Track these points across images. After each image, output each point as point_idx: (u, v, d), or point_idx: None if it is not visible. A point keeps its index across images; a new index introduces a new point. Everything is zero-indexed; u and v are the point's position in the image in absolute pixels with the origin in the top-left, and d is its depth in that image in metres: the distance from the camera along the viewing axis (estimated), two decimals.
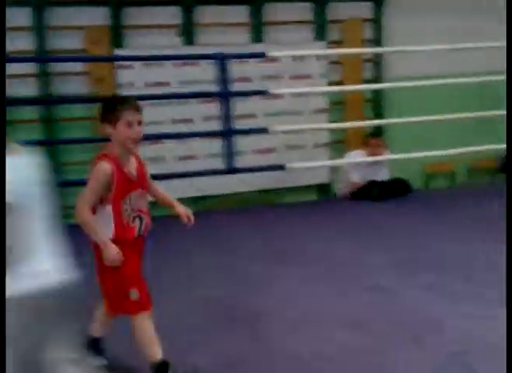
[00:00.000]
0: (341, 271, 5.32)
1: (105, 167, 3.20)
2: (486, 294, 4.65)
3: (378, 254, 5.73)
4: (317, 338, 4.00)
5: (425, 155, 7.85)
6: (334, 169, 8.39)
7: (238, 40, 7.91)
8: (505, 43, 8.33)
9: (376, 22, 8.44)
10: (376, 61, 8.49)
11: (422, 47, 7.56)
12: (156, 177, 7.17)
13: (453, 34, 8.12)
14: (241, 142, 7.31)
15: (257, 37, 8.02)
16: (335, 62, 8.28)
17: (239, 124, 7.00)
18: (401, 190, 8.08)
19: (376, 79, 8.44)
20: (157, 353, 3.32)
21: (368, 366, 3.63)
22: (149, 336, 3.33)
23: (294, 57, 7.82)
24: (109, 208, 3.21)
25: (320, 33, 8.21)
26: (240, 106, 7.29)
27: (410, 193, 8.12)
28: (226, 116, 6.69)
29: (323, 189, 8.50)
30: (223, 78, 6.67)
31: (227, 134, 6.76)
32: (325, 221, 7.16)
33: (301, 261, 5.61)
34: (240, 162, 6.92)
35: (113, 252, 3.16)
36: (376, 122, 8.26)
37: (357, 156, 8.03)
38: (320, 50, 7.99)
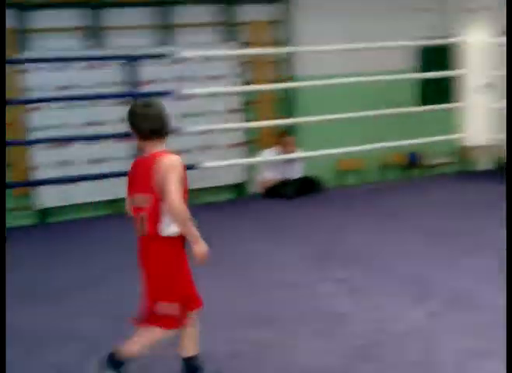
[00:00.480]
0: (255, 268, 5.39)
1: (179, 160, 3.18)
2: (396, 288, 4.80)
3: (290, 250, 5.82)
4: (230, 336, 4.04)
5: (336, 153, 8.02)
6: (249, 168, 8.46)
7: (147, 43, 7.88)
8: (414, 43, 8.62)
9: (284, 23, 8.55)
10: (287, 61, 8.61)
11: (330, 46, 7.71)
12: (64, 181, 7.18)
13: (360, 34, 8.30)
14: None
15: (167, 39, 8.00)
16: (246, 63, 8.35)
17: None
18: (313, 188, 8.22)
19: (287, 79, 8.56)
20: (135, 353, 3.33)
21: (280, 362, 3.69)
22: (148, 346, 3.33)
23: (205, 59, 7.85)
24: None
25: (230, 35, 8.27)
26: None
27: (322, 190, 8.27)
28: None
29: (239, 188, 8.56)
30: (132, 80, 6.63)
31: None
32: (239, 219, 7.22)
33: (214, 259, 5.62)
34: None
35: (205, 248, 3.19)
36: (289, 121, 8.37)
37: (270, 155, 8.12)
38: (230, 50, 8.04)
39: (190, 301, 3.32)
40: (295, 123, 8.42)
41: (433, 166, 9.45)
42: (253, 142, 8.53)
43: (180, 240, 3.23)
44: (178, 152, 3.26)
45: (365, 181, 9.16)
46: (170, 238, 3.19)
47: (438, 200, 7.59)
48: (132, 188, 3.29)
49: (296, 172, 8.26)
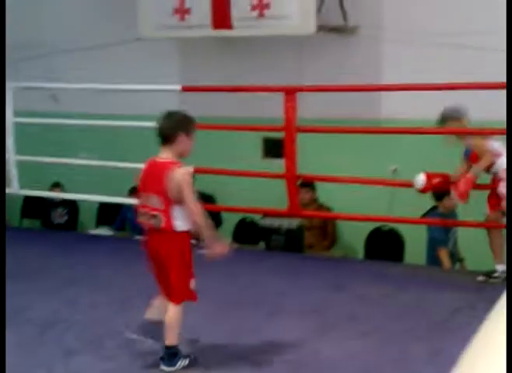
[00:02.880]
0: None
1: (191, 171, 3.86)
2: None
3: None
4: None
5: None
6: None
7: None
8: None
9: None
10: None
11: None
12: None
13: None
14: None
15: None
16: None
17: None
18: None
19: None
20: (178, 339, 3.82)
21: None
22: (180, 323, 3.79)
23: None
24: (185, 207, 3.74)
25: None
26: None
27: None
28: None
29: None
30: None
31: None
32: None
33: None
34: None
35: (225, 245, 3.86)
36: None
37: None
38: None
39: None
40: None
41: None
42: None
43: (189, 234, 3.85)
44: None
45: None
46: (183, 232, 3.80)
47: None
48: (146, 187, 3.82)
49: None
